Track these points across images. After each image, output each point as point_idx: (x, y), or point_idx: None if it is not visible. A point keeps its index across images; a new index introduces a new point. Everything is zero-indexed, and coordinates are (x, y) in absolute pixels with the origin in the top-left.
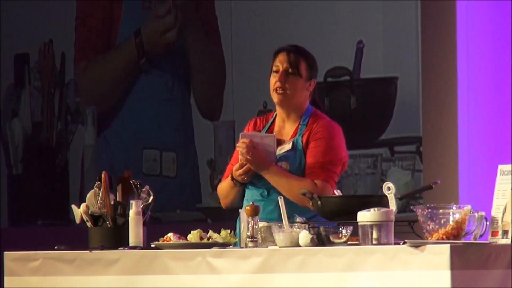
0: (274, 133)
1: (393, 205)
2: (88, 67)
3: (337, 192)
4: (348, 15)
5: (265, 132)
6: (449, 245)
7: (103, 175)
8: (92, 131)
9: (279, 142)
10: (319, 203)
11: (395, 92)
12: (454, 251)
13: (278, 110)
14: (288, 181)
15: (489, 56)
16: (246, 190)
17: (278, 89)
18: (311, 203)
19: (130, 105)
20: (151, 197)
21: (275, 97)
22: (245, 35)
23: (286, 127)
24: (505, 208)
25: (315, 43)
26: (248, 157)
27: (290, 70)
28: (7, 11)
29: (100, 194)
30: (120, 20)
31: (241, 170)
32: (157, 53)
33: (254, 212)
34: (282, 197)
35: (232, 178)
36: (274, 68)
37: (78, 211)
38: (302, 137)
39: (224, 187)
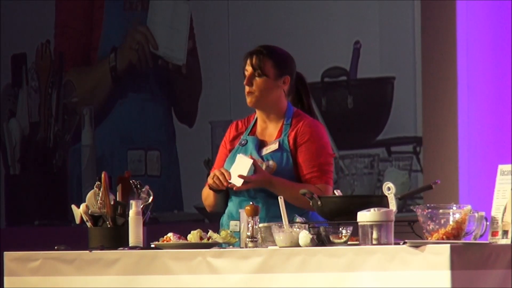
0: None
1: (393, 205)
2: (67, 75)
3: (337, 192)
4: (345, 15)
5: (248, 134)
6: (449, 245)
7: (103, 175)
8: (89, 131)
9: (263, 143)
10: (319, 203)
11: (392, 92)
12: (454, 251)
13: (258, 111)
14: (293, 190)
15: (489, 56)
16: (232, 192)
17: (247, 93)
18: (311, 203)
19: (114, 105)
20: (151, 197)
21: (247, 101)
22: (242, 35)
23: (268, 128)
24: (505, 208)
25: (312, 43)
26: (249, 186)
27: (255, 73)
28: (4, 11)
29: (100, 194)
30: (103, 23)
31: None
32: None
33: (254, 212)
34: (282, 197)
35: (209, 186)
36: (244, 72)
37: (78, 211)
38: (288, 137)
39: (205, 192)
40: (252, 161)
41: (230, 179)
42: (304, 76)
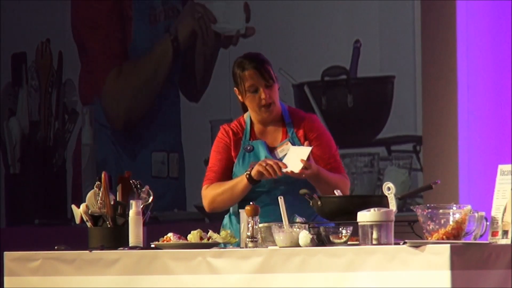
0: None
1: (393, 205)
2: (119, 74)
3: (337, 192)
4: (345, 14)
5: (249, 139)
6: (449, 245)
7: (103, 175)
8: (89, 130)
9: (269, 147)
10: (319, 203)
11: (392, 91)
12: (454, 251)
13: (255, 114)
14: (333, 180)
15: (489, 56)
16: (254, 196)
17: (268, 105)
18: (311, 203)
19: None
20: (151, 197)
21: (264, 113)
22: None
23: (268, 130)
24: (505, 208)
25: (312, 42)
26: (307, 173)
27: (268, 84)
28: (4, 10)
29: (100, 194)
30: (132, 23)
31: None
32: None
33: (254, 212)
34: (282, 197)
35: (250, 179)
36: (250, 88)
37: (78, 211)
38: (297, 135)
39: (227, 186)
40: (311, 148)
41: (284, 168)
42: None
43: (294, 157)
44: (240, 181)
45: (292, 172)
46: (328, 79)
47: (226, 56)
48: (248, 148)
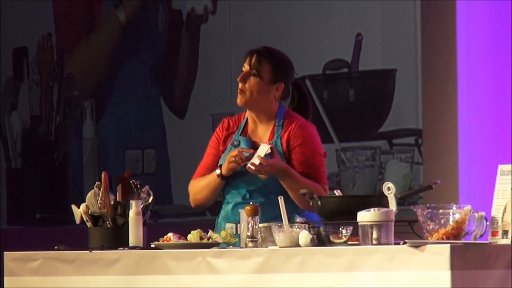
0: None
1: (393, 205)
2: (71, 55)
3: (337, 192)
4: (347, 8)
5: (240, 134)
6: (449, 245)
7: (103, 175)
8: (90, 125)
9: (255, 144)
10: (319, 203)
11: (394, 84)
12: (454, 251)
13: (248, 111)
14: (303, 182)
15: (489, 56)
16: (227, 193)
17: (239, 90)
18: (311, 203)
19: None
20: (151, 197)
21: (237, 99)
22: (244, 28)
23: (259, 129)
24: (505, 208)
25: (314, 36)
26: (266, 170)
27: (251, 72)
28: (5, 4)
29: (100, 194)
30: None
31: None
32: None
33: (254, 212)
34: (282, 197)
35: (222, 177)
36: (243, 70)
37: (78, 211)
38: (281, 139)
39: (200, 183)
40: (270, 146)
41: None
42: (301, 84)
43: (257, 155)
44: (213, 180)
45: (249, 167)
46: (330, 73)
47: (228, 48)
48: (235, 143)
